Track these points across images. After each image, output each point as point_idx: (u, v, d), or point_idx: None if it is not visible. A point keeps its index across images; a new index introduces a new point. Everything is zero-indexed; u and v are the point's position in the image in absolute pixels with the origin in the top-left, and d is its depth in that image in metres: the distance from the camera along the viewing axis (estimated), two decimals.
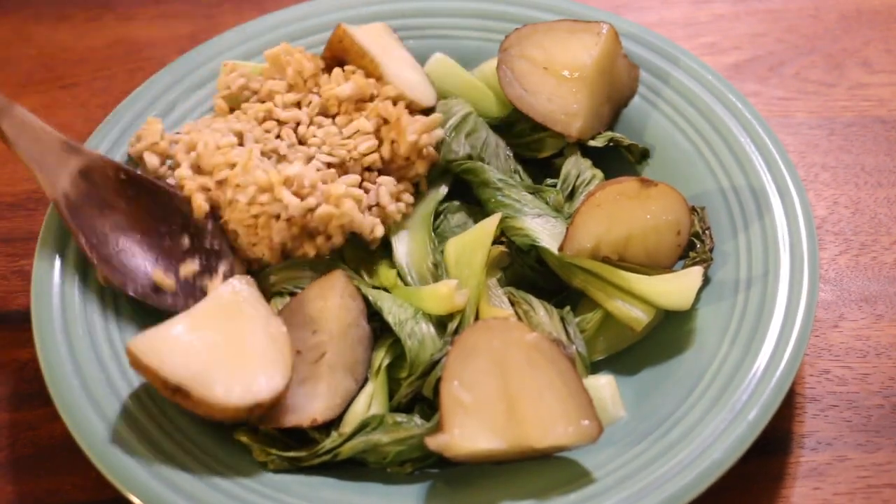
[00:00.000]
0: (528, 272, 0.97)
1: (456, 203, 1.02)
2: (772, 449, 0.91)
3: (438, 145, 1.01)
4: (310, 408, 0.85)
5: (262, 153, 0.98)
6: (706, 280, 0.95)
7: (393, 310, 0.91)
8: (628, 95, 1.07)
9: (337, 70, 1.03)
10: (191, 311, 0.86)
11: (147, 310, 0.93)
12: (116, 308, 0.93)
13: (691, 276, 0.92)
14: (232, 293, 0.88)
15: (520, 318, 0.91)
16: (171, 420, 0.86)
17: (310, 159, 0.98)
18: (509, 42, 1.06)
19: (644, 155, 1.06)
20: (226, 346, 0.84)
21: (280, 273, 0.95)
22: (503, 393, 0.82)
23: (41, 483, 0.90)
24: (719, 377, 0.87)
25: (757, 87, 1.23)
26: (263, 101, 1.04)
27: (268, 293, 0.94)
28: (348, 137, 1.00)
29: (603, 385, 0.88)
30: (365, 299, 0.92)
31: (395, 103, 1.01)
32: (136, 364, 0.82)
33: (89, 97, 1.23)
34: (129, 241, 0.95)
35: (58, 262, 0.93)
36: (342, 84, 1.01)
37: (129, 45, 1.29)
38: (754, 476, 0.89)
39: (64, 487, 0.90)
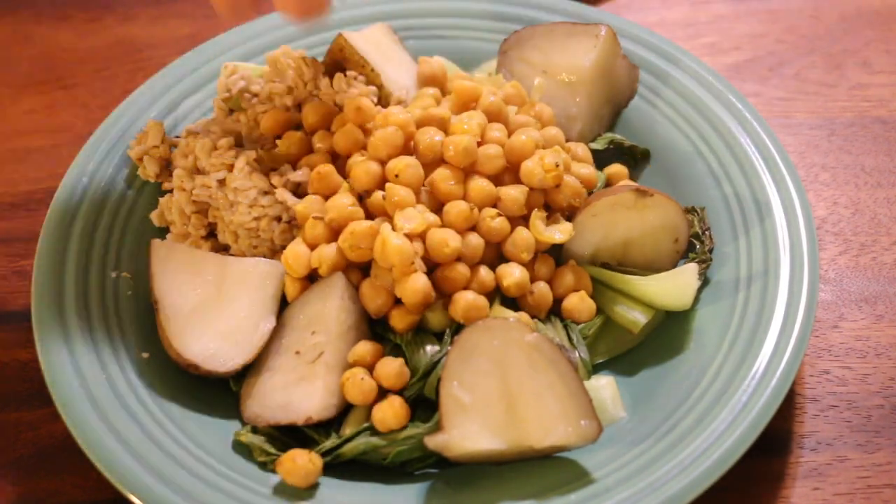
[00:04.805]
0: None
1: None
2: (772, 449, 0.91)
3: None
4: (305, 406, 0.85)
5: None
6: (706, 281, 0.95)
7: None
8: (628, 96, 1.07)
9: (339, 76, 1.02)
10: None
11: (149, 309, 0.93)
12: (117, 308, 0.93)
13: (687, 273, 0.91)
14: None
15: None
16: (171, 420, 0.86)
17: None
18: (508, 44, 1.06)
19: (644, 156, 1.06)
20: None
21: None
22: (503, 393, 0.81)
23: (41, 483, 0.90)
24: (719, 378, 0.86)
25: (757, 87, 1.23)
26: (263, 103, 1.04)
27: None
28: None
29: (603, 385, 0.88)
30: None
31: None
32: None
33: (90, 98, 1.23)
34: None
35: (58, 263, 0.93)
36: (343, 89, 1.01)
37: (129, 45, 1.29)
38: (754, 476, 0.89)
39: (64, 487, 0.90)
